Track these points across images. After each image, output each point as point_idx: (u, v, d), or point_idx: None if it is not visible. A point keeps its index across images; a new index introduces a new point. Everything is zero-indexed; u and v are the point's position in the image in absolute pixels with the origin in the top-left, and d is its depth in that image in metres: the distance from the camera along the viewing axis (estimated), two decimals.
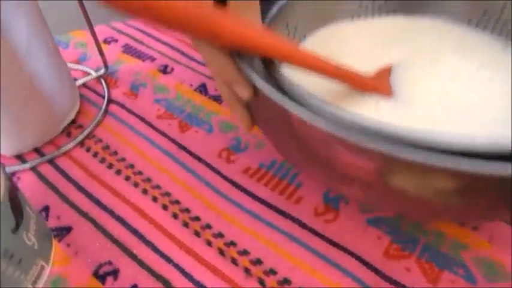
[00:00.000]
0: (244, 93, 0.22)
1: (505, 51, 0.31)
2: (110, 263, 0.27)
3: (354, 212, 0.29)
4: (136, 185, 0.32)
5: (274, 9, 0.30)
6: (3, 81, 0.29)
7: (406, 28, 0.33)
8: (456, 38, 0.32)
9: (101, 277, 0.27)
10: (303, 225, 0.29)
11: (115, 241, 0.28)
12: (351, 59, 0.28)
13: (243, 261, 0.27)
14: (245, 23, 0.20)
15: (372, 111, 0.25)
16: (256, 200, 0.30)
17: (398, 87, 0.27)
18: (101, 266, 0.27)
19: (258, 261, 0.27)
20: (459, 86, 0.28)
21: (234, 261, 0.27)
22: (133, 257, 0.28)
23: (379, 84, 0.26)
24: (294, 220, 0.29)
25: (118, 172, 0.33)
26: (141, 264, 0.27)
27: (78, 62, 0.45)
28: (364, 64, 0.28)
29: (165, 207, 0.30)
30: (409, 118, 0.25)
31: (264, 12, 0.28)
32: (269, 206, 0.30)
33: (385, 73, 0.28)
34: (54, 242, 0.28)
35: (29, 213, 0.25)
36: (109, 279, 0.26)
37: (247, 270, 0.26)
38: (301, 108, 0.19)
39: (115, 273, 0.27)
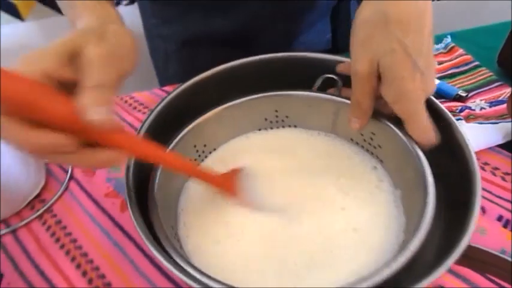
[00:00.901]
0: None
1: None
2: None
3: None
4: (73, 259, 0.40)
5: (182, 133, 0.37)
6: None
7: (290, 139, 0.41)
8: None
9: None
10: None
11: None
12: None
13: None
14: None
15: None
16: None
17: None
18: None
19: None
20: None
21: None
22: None
23: (225, 182, 0.34)
24: None
25: (62, 246, 0.41)
26: None
27: None
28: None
29: (90, 282, 0.38)
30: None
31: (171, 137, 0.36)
32: None
33: (233, 173, 0.35)
34: None
35: None
36: None
37: None
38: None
39: None
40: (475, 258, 0.26)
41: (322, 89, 0.40)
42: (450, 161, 0.33)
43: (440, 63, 0.62)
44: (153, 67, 0.71)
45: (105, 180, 0.47)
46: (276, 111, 0.41)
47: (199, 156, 0.40)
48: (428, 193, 0.30)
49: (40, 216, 0.44)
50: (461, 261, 0.26)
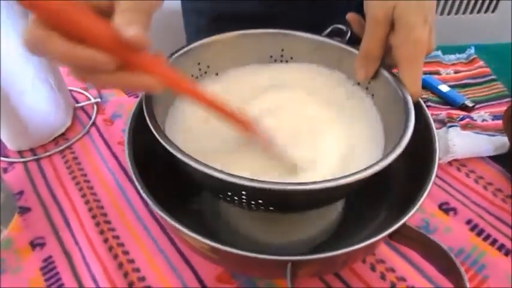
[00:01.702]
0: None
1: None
2: (42, 238, 0.42)
3: None
4: (83, 195, 0.46)
5: (189, 47, 0.38)
6: (8, 109, 0.45)
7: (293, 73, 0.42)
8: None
9: (32, 245, 0.41)
10: None
11: (52, 224, 0.43)
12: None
13: None
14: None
15: None
16: None
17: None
18: (36, 238, 0.42)
19: None
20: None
21: None
22: (58, 237, 0.42)
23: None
24: None
25: (77, 183, 0.47)
26: (61, 243, 0.41)
27: (86, 89, 0.60)
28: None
29: (94, 217, 0.43)
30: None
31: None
32: None
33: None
34: (16, 215, 0.43)
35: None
36: (37, 248, 0.41)
37: None
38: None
39: (42, 245, 0.41)
40: (407, 236, 0.29)
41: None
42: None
43: (457, 72, 0.63)
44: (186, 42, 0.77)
45: (121, 130, 0.54)
46: (282, 50, 0.42)
47: (201, 75, 0.41)
48: (407, 128, 0.31)
49: (61, 152, 0.51)
50: (393, 236, 0.29)
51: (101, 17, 0.24)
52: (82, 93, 0.60)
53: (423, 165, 0.35)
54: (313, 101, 0.39)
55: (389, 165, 0.42)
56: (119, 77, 0.25)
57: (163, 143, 0.29)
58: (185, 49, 0.38)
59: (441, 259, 0.28)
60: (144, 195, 0.32)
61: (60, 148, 0.51)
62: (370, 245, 0.29)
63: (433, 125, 0.36)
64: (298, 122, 0.37)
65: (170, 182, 0.43)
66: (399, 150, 0.29)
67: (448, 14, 1.08)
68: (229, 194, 0.31)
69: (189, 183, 0.43)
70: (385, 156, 0.29)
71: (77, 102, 0.58)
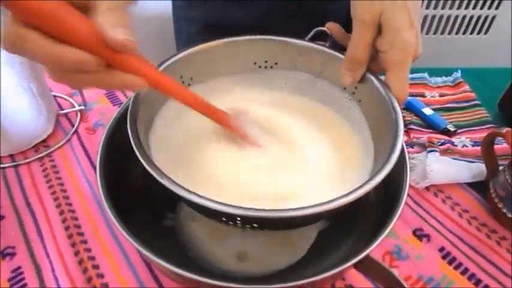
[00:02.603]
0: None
1: None
2: (12, 247, 0.41)
3: None
4: (58, 205, 0.46)
5: (171, 60, 0.37)
6: None
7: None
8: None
9: (2, 255, 0.41)
10: None
11: (24, 234, 0.43)
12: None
13: None
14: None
15: None
16: None
17: None
18: (7, 247, 0.41)
19: None
20: None
21: None
22: (29, 248, 0.41)
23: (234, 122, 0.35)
24: None
25: (53, 193, 0.47)
26: (31, 253, 0.41)
27: (71, 95, 0.60)
28: None
29: (67, 229, 0.43)
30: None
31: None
32: None
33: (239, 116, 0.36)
34: None
35: None
36: (7, 258, 0.41)
37: None
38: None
39: (12, 255, 0.41)
40: (370, 267, 0.29)
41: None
42: None
43: (442, 95, 0.63)
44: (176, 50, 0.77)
45: None
46: (266, 56, 0.42)
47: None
48: (398, 136, 0.31)
49: (40, 159, 0.51)
50: (358, 266, 0.29)
51: (81, 14, 0.24)
52: (67, 100, 0.60)
53: (394, 195, 0.35)
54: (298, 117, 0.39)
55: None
56: (100, 77, 0.25)
57: (153, 173, 0.28)
58: (168, 62, 0.37)
59: None
60: (106, 204, 0.31)
61: (40, 155, 0.51)
62: (331, 275, 0.29)
63: (407, 158, 0.36)
64: (282, 139, 0.37)
65: (147, 196, 0.43)
66: (390, 166, 0.29)
67: (441, 33, 1.09)
68: (224, 219, 0.30)
69: (166, 198, 0.43)
70: (378, 171, 0.29)
71: (61, 108, 0.58)
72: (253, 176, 0.33)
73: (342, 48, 0.38)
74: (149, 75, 0.27)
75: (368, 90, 0.36)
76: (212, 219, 0.32)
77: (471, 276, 0.41)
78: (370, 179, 0.28)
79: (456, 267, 0.41)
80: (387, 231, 0.31)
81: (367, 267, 0.30)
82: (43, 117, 0.52)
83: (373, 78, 0.36)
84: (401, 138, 0.30)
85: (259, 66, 0.42)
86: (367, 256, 0.29)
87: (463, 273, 0.41)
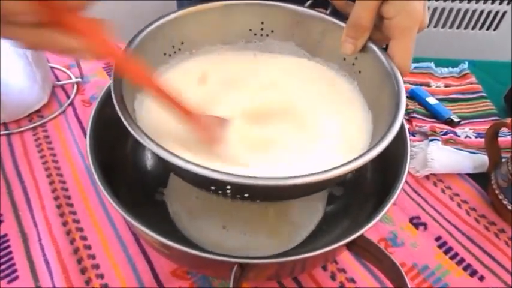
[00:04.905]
0: None
1: None
2: (0, 215, 0.41)
3: None
4: (49, 175, 0.45)
5: (163, 20, 0.34)
6: None
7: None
8: None
9: None
10: None
11: (12, 202, 0.42)
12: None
13: None
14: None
15: None
16: None
17: None
18: None
19: None
20: None
21: None
22: (17, 216, 0.41)
23: (205, 125, 0.30)
24: None
25: (45, 163, 0.46)
26: (19, 222, 0.40)
27: (69, 67, 0.59)
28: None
29: (56, 198, 0.42)
30: None
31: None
32: None
33: (217, 120, 0.32)
34: None
35: None
36: None
37: None
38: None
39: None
40: (364, 248, 0.28)
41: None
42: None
43: (447, 85, 0.62)
44: None
45: None
46: (262, 23, 0.39)
47: (174, 52, 0.37)
48: (399, 110, 0.29)
49: (34, 129, 0.50)
50: (351, 246, 0.28)
51: None
52: (64, 72, 0.58)
53: (393, 178, 0.34)
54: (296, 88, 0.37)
55: (364, 175, 0.42)
56: (38, 33, 0.22)
57: (139, 139, 0.26)
58: (157, 23, 0.34)
59: (394, 275, 0.27)
60: (94, 172, 0.30)
61: (33, 125, 0.50)
62: (324, 253, 0.28)
63: (408, 138, 0.35)
64: (282, 108, 0.35)
65: (139, 170, 0.42)
66: (391, 136, 0.27)
67: (450, 27, 1.06)
68: (213, 188, 0.29)
69: (158, 172, 0.42)
70: (380, 140, 0.27)
71: (58, 80, 0.57)
72: (246, 146, 0.32)
73: (342, 17, 0.36)
74: (98, 41, 0.23)
75: (369, 61, 0.34)
76: (202, 189, 0.31)
77: (467, 267, 0.40)
78: (370, 149, 0.27)
79: (452, 257, 0.40)
80: (383, 212, 0.30)
81: (361, 248, 0.28)
82: (37, 86, 0.51)
83: (375, 47, 0.34)
84: (403, 111, 0.29)
85: (255, 34, 0.39)
86: (361, 237, 0.28)
87: (459, 263, 0.40)
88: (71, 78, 0.57)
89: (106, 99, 0.38)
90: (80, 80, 0.57)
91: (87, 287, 0.36)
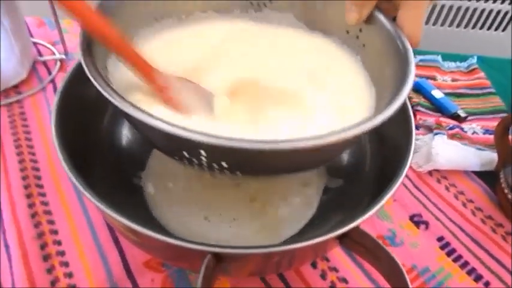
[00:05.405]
0: None
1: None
2: None
3: None
4: (19, 153, 0.41)
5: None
6: None
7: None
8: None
9: None
10: None
11: None
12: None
13: None
14: None
15: None
16: None
17: None
18: None
19: None
20: None
21: None
22: None
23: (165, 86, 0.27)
24: None
25: (16, 140, 0.42)
26: None
27: (53, 44, 0.55)
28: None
29: (25, 178, 0.39)
30: None
31: None
32: None
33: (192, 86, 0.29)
34: None
35: None
36: None
37: None
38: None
39: None
40: (359, 243, 0.25)
41: None
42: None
43: (454, 80, 0.58)
44: None
45: None
46: None
47: (161, 17, 0.34)
48: (407, 80, 0.25)
49: (9, 105, 0.46)
50: (343, 240, 0.25)
51: None
52: (48, 48, 0.55)
53: (394, 169, 0.30)
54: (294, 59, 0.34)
55: (363, 168, 0.38)
56: None
57: (102, 91, 0.23)
58: None
59: (393, 274, 0.24)
60: (60, 154, 0.27)
61: (9, 100, 0.46)
62: (313, 246, 0.24)
63: (413, 123, 0.32)
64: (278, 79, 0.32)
65: (117, 151, 0.39)
66: (399, 101, 0.24)
67: (457, 26, 1.03)
68: (186, 156, 0.25)
69: (138, 153, 0.39)
70: (385, 106, 0.24)
71: (40, 55, 0.53)
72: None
73: None
74: None
75: (375, 33, 0.30)
76: (174, 158, 0.27)
77: (471, 271, 0.36)
78: (371, 117, 0.23)
79: (455, 260, 0.37)
80: (381, 203, 0.26)
81: (356, 242, 0.25)
82: (15, 59, 0.47)
83: (381, 17, 0.30)
84: (411, 84, 0.25)
85: (251, 3, 0.36)
86: (355, 230, 0.24)
87: (463, 266, 0.36)
88: (54, 54, 0.54)
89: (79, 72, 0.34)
90: (63, 57, 0.53)
91: (49, 276, 0.32)
